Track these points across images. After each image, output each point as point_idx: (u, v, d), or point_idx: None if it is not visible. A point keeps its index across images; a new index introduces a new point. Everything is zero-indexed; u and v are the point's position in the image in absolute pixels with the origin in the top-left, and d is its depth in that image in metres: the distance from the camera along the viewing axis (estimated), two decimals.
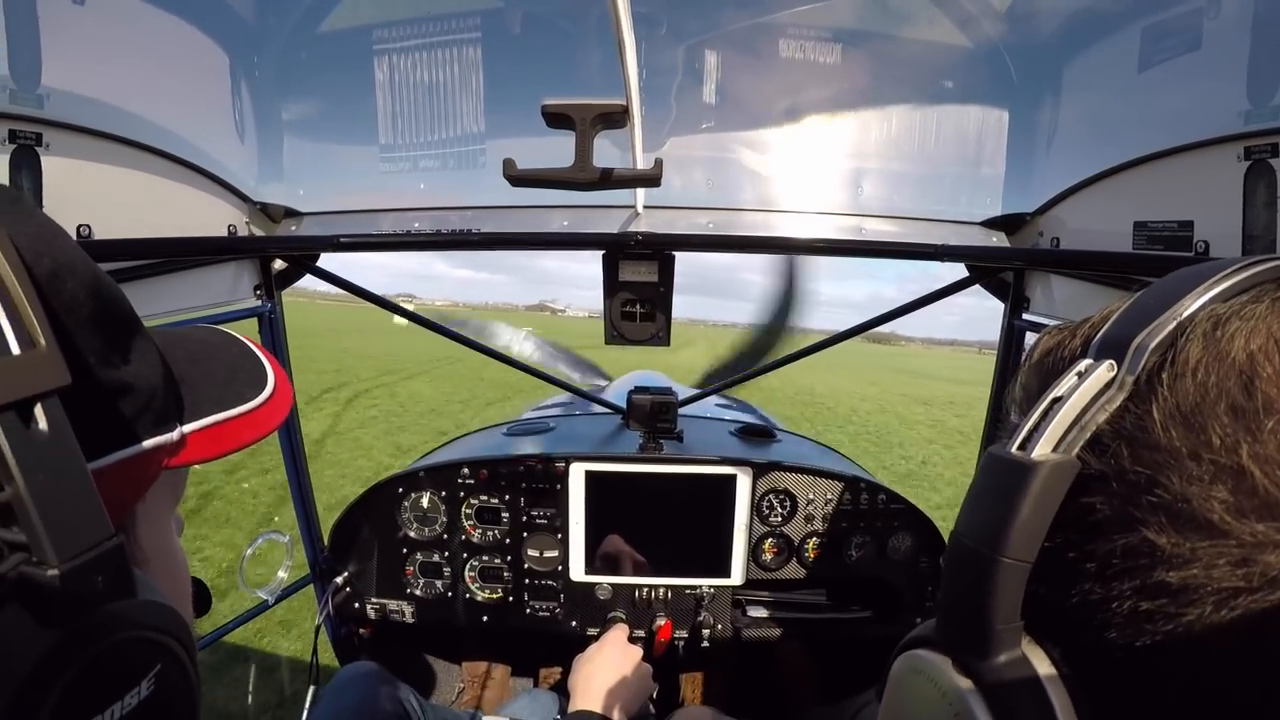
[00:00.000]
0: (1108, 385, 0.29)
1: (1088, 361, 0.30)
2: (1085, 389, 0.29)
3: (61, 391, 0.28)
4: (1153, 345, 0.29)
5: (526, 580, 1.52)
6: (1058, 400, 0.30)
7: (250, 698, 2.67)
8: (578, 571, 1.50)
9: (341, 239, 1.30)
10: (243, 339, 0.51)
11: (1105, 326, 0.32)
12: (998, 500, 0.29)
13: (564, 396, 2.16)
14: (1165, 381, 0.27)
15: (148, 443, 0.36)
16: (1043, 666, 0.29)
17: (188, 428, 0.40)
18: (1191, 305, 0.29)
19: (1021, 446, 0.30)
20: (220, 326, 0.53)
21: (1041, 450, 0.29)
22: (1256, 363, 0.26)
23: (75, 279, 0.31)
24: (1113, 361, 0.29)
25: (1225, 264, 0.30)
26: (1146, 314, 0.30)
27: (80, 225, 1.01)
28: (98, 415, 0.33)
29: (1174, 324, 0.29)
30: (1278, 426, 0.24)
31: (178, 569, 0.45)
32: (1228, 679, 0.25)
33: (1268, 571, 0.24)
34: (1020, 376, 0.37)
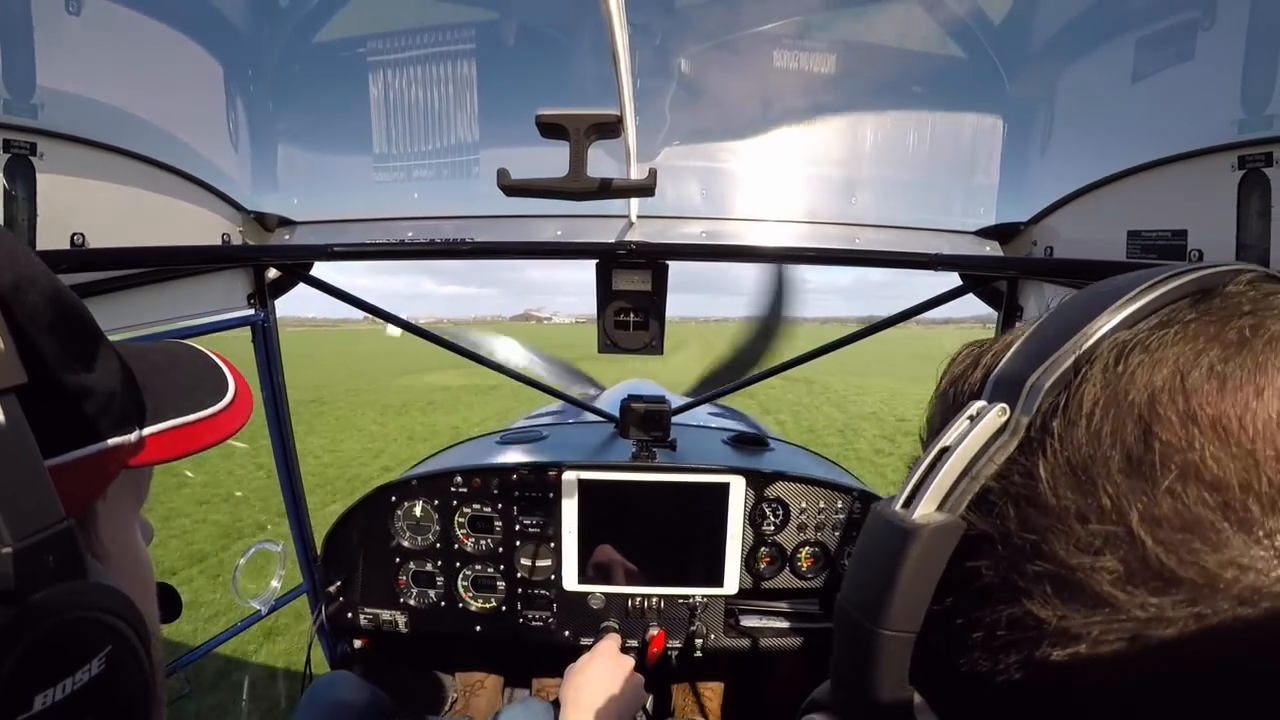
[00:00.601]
0: (999, 432, 0.26)
1: (980, 404, 0.27)
2: (974, 438, 0.26)
3: (19, 390, 0.29)
4: (1048, 385, 0.25)
5: (519, 590, 1.51)
6: (945, 450, 0.27)
7: (245, 707, 2.66)
8: (570, 581, 1.49)
9: (335, 248, 1.30)
10: (208, 352, 0.53)
11: (1005, 358, 0.28)
12: (878, 566, 0.27)
13: (557, 405, 2.16)
14: (1057, 430, 0.24)
15: (109, 442, 0.38)
16: None
17: (147, 430, 0.43)
18: (1095, 334, 0.26)
19: (906, 503, 0.27)
20: (208, 335, 0.54)
21: (925, 509, 0.26)
22: (1157, 404, 0.23)
23: (36, 291, 0.33)
24: (1004, 405, 0.26)
25: (1137, 279, 0.27)
26: (1046, 345, 0.27)
27: (74, 234, 1.02)
28: (58, 415, 0.35)
29: (1073, 358, 0.25)
30: (1175, 483, 0.21)
31: (140, 568, 0.46)
32: None
33: None
34: (929, 406, 0.34)
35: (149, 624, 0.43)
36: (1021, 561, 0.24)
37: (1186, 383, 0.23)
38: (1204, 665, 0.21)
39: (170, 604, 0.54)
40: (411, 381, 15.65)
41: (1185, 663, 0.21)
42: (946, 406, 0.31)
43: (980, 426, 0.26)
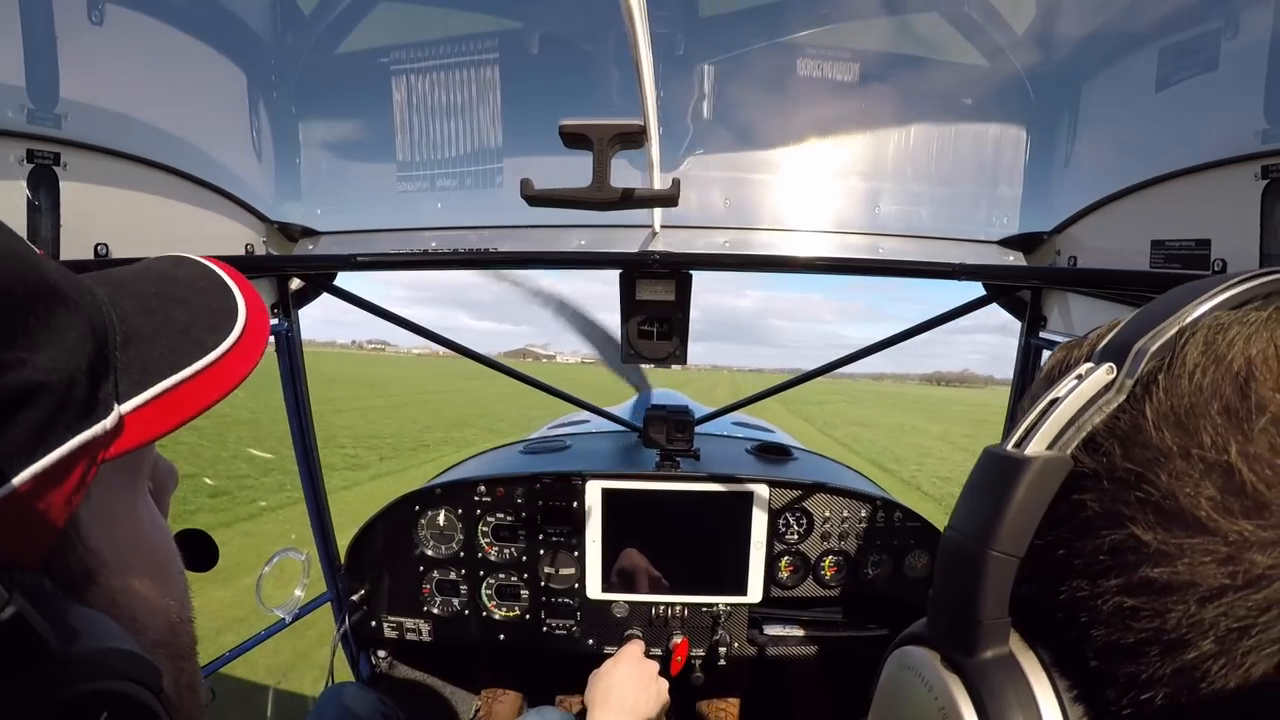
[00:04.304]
0: (1106, 387, 0.29)
1: (1088, 365, 0.30)
2: (1082, 390, 0.29)
3: None
4: (1153, 350, 0.28)
5: (543, 598, 1.51)
6: (1055, 401, 0.30)
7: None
8: (594, 589, 1.49)
9: (358, 258, 1.30)
10: (212, 266, 0.43)
11: (1110, 334, 0.32)
12: (989, 494, 0.29)
13: (580, 414, 2.15)
14: (1162, 383, 0.27)
15: (71, 443, 0.30)
16: (1029, 664, 0.28)
17: (127, 406, 0.34)
18: (1195, 312, 0.29)
19: (1018, 445, 0.29)
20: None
21: (1035, 447, 0.29)
22: (1254, 366, 0.26)
23: None
24: (1112, 365, 0.29)
25: (1233, 275, 0.30)
26: (1150, 320, 0.30)
27: (98, 244, 1.02)
28: None
29: (1175, 329, 0.29)
30: (1269, 425, 0.24)
31: (151, 552, 0.39)
32: (1210, 678, 0.24)
33: (1252, 570, 0.23)
34: (1031, 390, 0.37)
35: (177, 612, 0.39)
36: (1126, 491, 0.26)
37: None
38: None
39: (203, 553, 0.47)
40: None
41: (1269, 582, 0.23)
42: (1049, 381, 0.33)
43: (1089, 381, 0.29)
